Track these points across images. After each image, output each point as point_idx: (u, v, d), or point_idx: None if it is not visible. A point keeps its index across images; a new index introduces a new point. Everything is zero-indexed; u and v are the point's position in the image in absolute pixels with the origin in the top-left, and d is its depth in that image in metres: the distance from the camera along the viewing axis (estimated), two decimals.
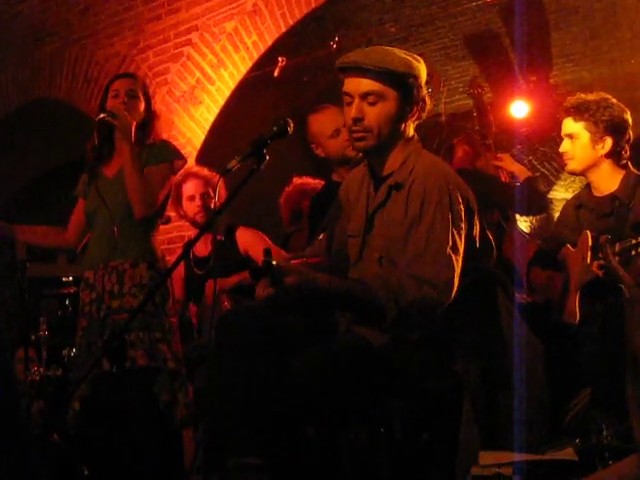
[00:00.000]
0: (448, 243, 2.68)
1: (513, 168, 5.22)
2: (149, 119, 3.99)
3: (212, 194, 4.73)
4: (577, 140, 3.77)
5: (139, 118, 3.92)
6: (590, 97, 3.78)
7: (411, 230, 2.73)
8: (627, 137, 3.77)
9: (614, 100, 3.79)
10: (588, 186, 3.90)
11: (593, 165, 3.78)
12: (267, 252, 2.64)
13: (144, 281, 3.79)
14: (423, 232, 2.70)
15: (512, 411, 3.04)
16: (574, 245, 3.79)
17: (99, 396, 3.80)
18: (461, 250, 2.73)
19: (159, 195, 3.87)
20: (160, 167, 3.87)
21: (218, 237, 4.74)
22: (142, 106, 3.96)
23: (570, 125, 3.80)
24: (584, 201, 3.91)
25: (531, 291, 4.15)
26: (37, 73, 7.71)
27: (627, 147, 3.78)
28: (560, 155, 3.91)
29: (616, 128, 3.74)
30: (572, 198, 4.12)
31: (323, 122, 4.29)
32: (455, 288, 2.68)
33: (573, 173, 3.92)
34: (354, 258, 2.95)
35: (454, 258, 2.68)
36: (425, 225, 2.71)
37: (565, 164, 3.88)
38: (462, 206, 2.77)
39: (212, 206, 4.70)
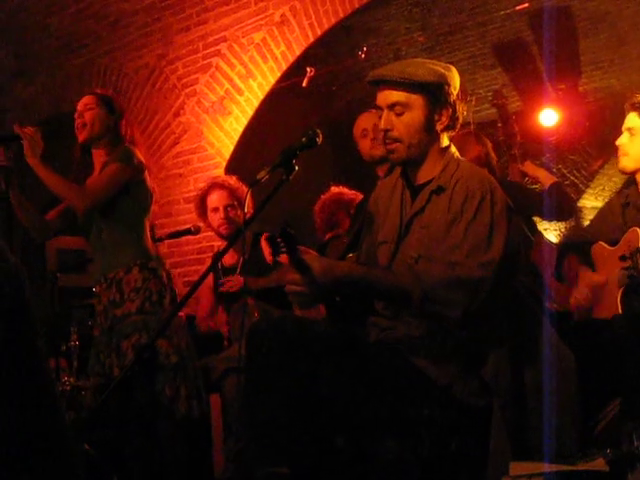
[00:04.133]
0: (487, 239, 2.69)
1: (537, 174, 5.19)
2: (114, 122, 4.17)
3: (237, 205, 4.75)
4: (636, 136, 3.71)
5: (99, 128, 4.11)
6: None
7: (452, 225, 2.73)
8: None
9: None
10: (636, 185, 3.84)
11: None
12: (286, 223, 2.55)
13: (138, 284, 3.92)
14: (463, 226, 2.71)
15: (543, 421, 3.02)
16: (609, 242, 3.75)
17: (113, 405, 3.87)
18: (500, 249, 2.71)
19: (102, 190, 4.00)
20: (112, 165, 4.00)
21: (245, 256, 4.76)
22: (97, 115, 4.12)
23: (633, 120, 3.74)
24: (632, 199, 3.85)
25: (560, 279, 4.09)
26: (67, 85, 7.78)
27: None
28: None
29: None
30: (618, 195, 4.07)
31: (357, 123, 4.43)
32: (492, 274, 2.65)
33: (624, 171, 3.84)
34: (385, 264, 2.95)
35: (491, 254, 2.67)
36: (466, 220, 2.71)
37: (618, 159, 3.81)
38: (504, 204, 2.77)
39: (235, 217, 4.74)
